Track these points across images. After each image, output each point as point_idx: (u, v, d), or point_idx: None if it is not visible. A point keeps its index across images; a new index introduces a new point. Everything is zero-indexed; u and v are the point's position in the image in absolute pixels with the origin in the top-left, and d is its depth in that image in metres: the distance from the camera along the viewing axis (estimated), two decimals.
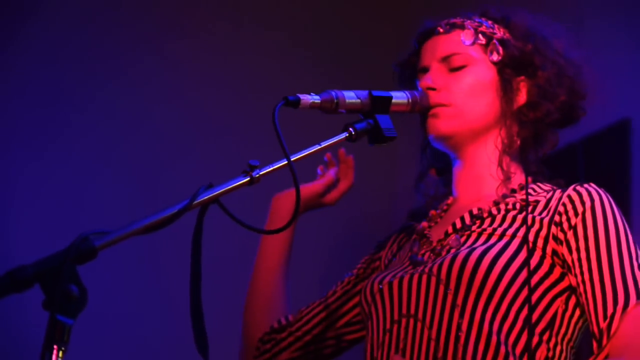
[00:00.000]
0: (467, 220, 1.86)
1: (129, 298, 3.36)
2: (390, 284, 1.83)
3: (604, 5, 3.34)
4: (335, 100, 1.70)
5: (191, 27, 3.67)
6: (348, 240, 3.93)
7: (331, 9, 3.95)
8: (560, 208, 1.78)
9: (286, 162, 1.57)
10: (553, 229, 1.77)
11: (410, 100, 1.84)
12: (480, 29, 1.92)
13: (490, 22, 1.94)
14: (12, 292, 1.29)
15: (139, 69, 3.55)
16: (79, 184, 3.40)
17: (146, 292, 3.39)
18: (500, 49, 1.90)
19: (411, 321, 1.78)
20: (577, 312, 1.78)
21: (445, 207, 1.97)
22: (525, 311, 1.73)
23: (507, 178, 1.88)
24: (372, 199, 3.95)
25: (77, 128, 3.44)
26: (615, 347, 1.66)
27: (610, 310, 1.68)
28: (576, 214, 1.76)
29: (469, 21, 1.93)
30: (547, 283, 1.76)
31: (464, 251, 1.77)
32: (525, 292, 1.73)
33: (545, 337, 1.74)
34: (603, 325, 1.68)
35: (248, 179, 1.55)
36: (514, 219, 1.81)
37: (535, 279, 1.74)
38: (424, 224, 1.96)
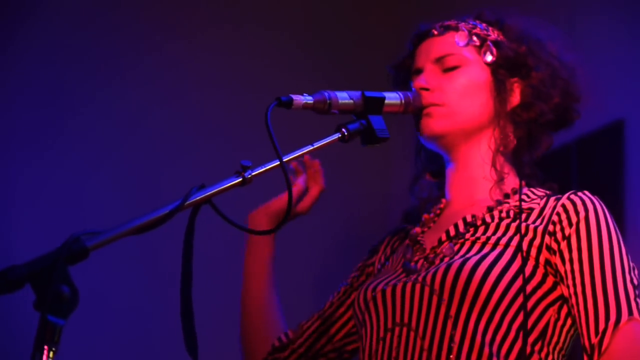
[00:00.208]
0: (461, 227, 1.85)
1: (119, 299, 3.36)
2: (384, 291, 1.83)
3: (596, 7, 3.35)
4: (328, 101, 1.70)
5: (190, 27, 3.67)
6: (342, 242, 3.93)
7: (327, 10, 3.95)
8: (555, 217, 1.78)
9: (278, 162, 1.57)
10: (547, 238, 1.77)
11: (403, 100, 1.83)
12: (475, 30, 1.92)
13: (484, 24, 1.95)
14: (2, 293, 1.28)
15: (138, 69, 3.55)
16: (77, 184, 3.40)
17: (137, 292, 3.39)
18: (494, 50, 1.90)
19: (404, 330, 1.78)
20: (569, 322, 1.77)
21: (438, 211, 1.96)
22: (518, 321, 1.73)
23: (501, 179, 1.88)
24: (366, 200, 3.95)
25: (76, 128, 3.44)
26: None
27: (602, 326, 1.68)
28: (570, 225, 1.76)
29: (463, 23, 1.94)
30: (540, 293, 1.76)
31: (457, 261, 1.76)
32: (518, 302, 1.73)
33: (537, 347, 1.74)
34: (594, 340, 1.68)
35: (240, 179, 1.54)
36: (507, 227, 1.81)
37: (528, 289, 1.74)
38: (417, 229, 1.95)
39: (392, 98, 1.82)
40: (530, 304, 1.74)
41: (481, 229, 1.83)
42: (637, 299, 1.72)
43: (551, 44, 1.94)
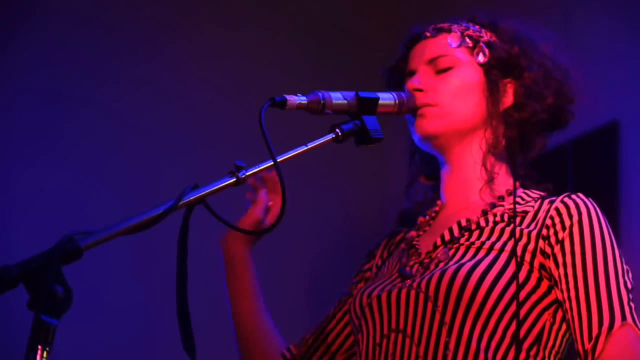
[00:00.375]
0: (456, 232, 1.85)
1: (115, 299, 3.36)
2: (379, 297, 1.83)
3: (591, 8, 3.35)
4: (322, 101, 1.70)
5: (188, 29, 3.68)
6: (338, 242, 3.93)
7: (323, 12, 3.96)
8: (548, 221, 1.77)
9: (272, 162, 1.57)
10: (541, 242, 1.77)
11: (397, 101, 1.83)
12: (467, 32, 1.92)
13: (477, 26, 1.95)
14: None
15: (136, 70, 3.56)
16: (76, 184, 3.41)
17: (132, 292, 3.39)
18: (487, 51, 1.90)
19: (400, 336, 1.77)
20: (565, 326, 1.77)
21: (433, 214, 1.96)
22: (513, 327, 1.73)
23: (491, 179, 1.88)
24: (361, 201, 3.95)
25: (75, 129, 3.45)
26: None
27: (595, 332, 1.68)
28: (563, 228, 1.76)
29: (455, 25, 1.94)
30: (534, 297, 1.75)
31: (451, 267, 1.76)
32: (513, 308, 1.73)
33: (532, 352, 1.74)
34: (588, 346, 1.68)
35: (234, 179, 1.54)
36: (502, 231, 1.80)
37: (523, 294, 1.74)
38: (413, 233, 1.95)
39: (386, 98, 1.82)
40: (525, 309, 1.74)
41: (476, 234, 1.82)
42: (631, 303, 1.72)
43: (544, 45, 1.94)
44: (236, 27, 3.79)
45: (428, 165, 2.01)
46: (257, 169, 1.57)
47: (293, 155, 1.62)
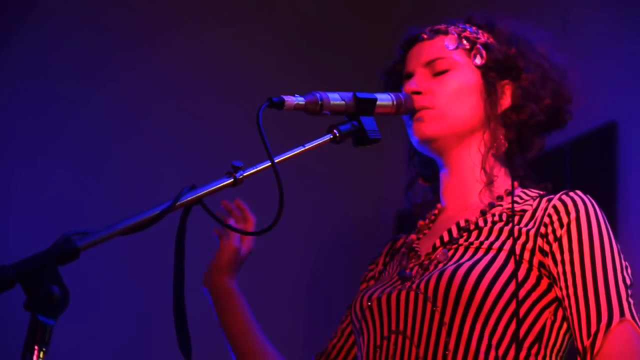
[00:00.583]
0: (455, 233, 1.85)
1: (112, 299, 3.36)
2: (379, 299, 1.83)
3: (589, 9, 3.35)
4: (320, 102, 1.69)
5: (185, 30, 3.68)
6: (336, 243, 3.93)
7: (321, 14, 3.96)
8: (546, 219, 1.77)
9: (270, 163, 1.57)
10: (539, 240, 1.76)
11: (394, 102, 1.83)
12: (464, 34, 1.92)
13: (474, 27, 1.95)
14: None
15: (133, 72, 3.56)
16: (75, 184, 3.40)
17: (129, 292, 3.39)
18: (484, 53, 1.90)
19: (400, 338, 1.77)
20: (566, 324, 1.77)
21: (432, 217, 1.96)
22: (513, 326, 1.72)
23: (490, 182, 1.87)
24: (359, 201, 3.96)
25: (74, 130, 3.45)
26: None
27: (593, 328, 1.68)
28: (561, 226, 1.76)
29: (452, 27, 1.94)
30: (534, 295, 1.75)
31: (450, 267, 1.76)
32: (512, 307, 1.72)
33: (533, 351, 1.74)
34: (587, 343, 1.68)
35: (232, 180, 1.54)
36: (500, 231, 1.80)
37: (522, 293, 1.73)
38: (413, 236, 1.95)
39: (384, 99, 1.81)
40: (525, 308, 1.73)
41: (474, 234, 1.82)
42: (630, 299, 1.71)
43: (541, 46, 1.94)
44: (234, 28, 3.79)
45: (427, 166, 2.01)
46: (255, 170, 1.57)
47: (291, 156, 1.62)
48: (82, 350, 3.28)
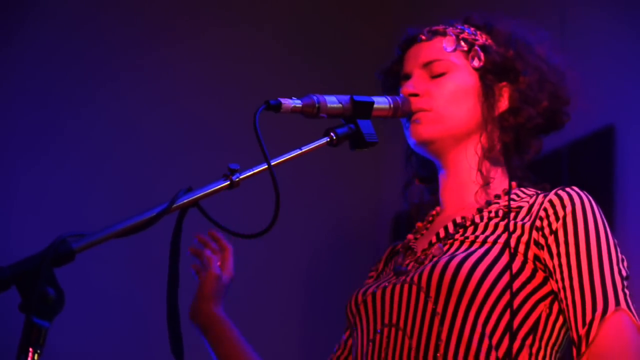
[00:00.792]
0: (451, 229, 1.85)
1: (106, 301, 3.36)
2: (374, 294, 1.83)
3: (587, 11, 3.35)
4: (317, 105, 1.69)
5: (182, 31, 3.68)
6: (333, 245, 3.93)
7: (319, 15, 3.96)
8: (542, 213, 1.77)
9: (266, 166, 1.57)
10: (534, 234, 1.76)
11: (392, 105, 1.83)
12: (462, 35, 1.92)
13: (472, 28, 1.95)
14: None
15: (131, 73, 3.56)
16: (73, 186, 3.40)
17: (124, 294, 3.39)
18: (482, 55, 1.90)
19: (393, 330, 1.77)
20: (562, 318, 1.76)
21: (430, 218, 1.97)
22: (506, 316, 1.72)
23: (486, 183, 1.88)
24: (356, 204, 3.95)
25: (72, 131, 3.45)
26: (593, 355, 1.66)
27: (588, 317, 1.68)
28: (557, 219, 1.76)
29: (450, 28, 1.94)
30: (529, 288, 1.75)
31: (444, 258, 1.76)
32: (506, 297, 1.72)
33: (528, 342, 1.73)
34: (582, 332, 1.68)
35: (228, 182, 1.54)
36: (496, 226, 1.81)
37: (516, 284, 1.73)
38: (410, 236, 1.96)
39: (381, 102, 1.81)
40: (519, 300, 1.73)
41: (470, 229, 1.83)
42: (626, 290, 1.71)
43: (540, 47, 1.94)
44: (233, 29, 3.79)
45: (424, 167, 2.01)
46: (251, 172, 1.57)
47: (287, 159, 1.62)
48: (76, 351, 3.28)
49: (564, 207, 1.76)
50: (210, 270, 2.09)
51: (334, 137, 1.70)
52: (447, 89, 1.88)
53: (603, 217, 1.77)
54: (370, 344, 1.81)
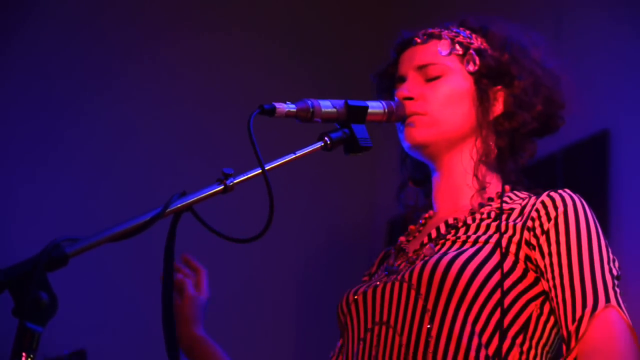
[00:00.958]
0: (443, 229, 1.86)
1: (100, 307, 3.36)
2: (365, 293, 1.83)
3: (582, 17, 3.36)
4: (311, 109, 1.69)
5: (179, 36, 3.68)
6: (328, 249, 3.93)
7: (315, 19, 3.97)
8: (534, 213, 1.78)
9: (260, 170, 1.57)
10: (526, 234, 1.77)
11: (386, 110, 1.83)
12: (457, 39, 1.92)
13: (468, 32, 1.95)
14: None
15: (129, 77, 3.56)
16: (73, 191, 3.40)
17: (118, 300, 3.39)
18: (477, 59, 1.90)
19: (383, 328, 1.78)
20: (553, 317, 1.77)
21: (423, 221, 1.97)
22: (496, 315, 1.72)
23: (482, 188, 1.88)
24: (351, 208, 3.95)
25: (71, 134, 3.45)
26: (583, 350, 1.66)
27: (578, 313, 1.68)
28: (549, 219, 1.76)
29: (446, 31, 1.94)
30: (520, 287, 1.75)
31: (435, 256, 1.77)
32: (496, 296, 1.72)
33: (518, 341, 1.74)
34: (571, 328, 1.68)
35: (222, 187, 1.54)
36: (488, 226, 1.81)
37: (507, 283, 1.74)
38: (402, 238, 1.96)
39: (376, 107, 1.81)
40: (509, 299, 1.74)
41: (462, 230, 1.83)
42: (616, 288, 1.71)
43: (535, 51, 1.94)
44: (229, 34, 3.80)
45: (419, 170, 2.02)
46: (245, 177, 1.57)
47: (281, 163, 1.62)
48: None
49: (555, 207, 1.77)
50: (185, 294, 2.07)
51: (328, 142, 1.70)
52: (442, 92, 1.88)
53: (595, 218, 1.78)
54: (361, 342, 1.81)
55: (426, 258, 1.80)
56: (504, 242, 1.76)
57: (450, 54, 1.91)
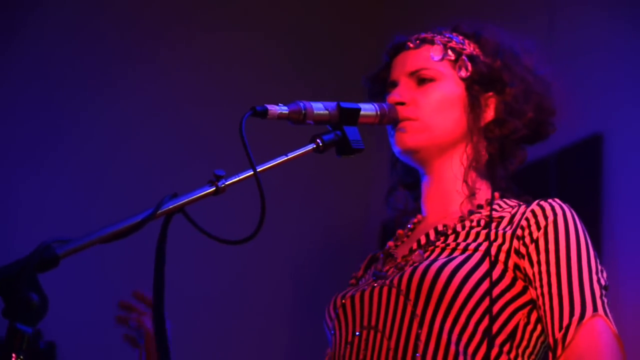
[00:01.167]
0: (432, 236, 1.86)
1: (91, 307, 3.35)
2: (352, 297, 1.84)
3: (574, 20, 3.36)
4: (303, 112, 1.70)
5: (177, 37, 3.69)
6: (322, 250, 3.93)
7: (311, 21, 3.97)
8: (523, 222, 1.79)
9: (252, 172, 1.57)
10: (515, 242, 1.77)
11: (378, 112, 1.84)
12: (450, 44, 1.92)
13: (460, 37, 1.95)
14: None
15: (127, 79, 3.56)
16: (72, 192, 3.40)
17: (108, 300, 3.38)
18: (469, 65, 1.91)
19: (372, 333, 1.78)
20: (540, 326, 1.78)
21: (411, 226, 1.97)
22: (484, 322, 1.73)
23: (472, 194, 1.88)
24: (346, 209, 3.96)
25: (71, 134, 3.45)
26: (569, 358, 1.67)
27: (565, 321, 1.69)
28: (538, 228, 1.77)
29: (439, 36, 1.94)
30: (508, 296, 1.76)
31: (424, 263, 1.77)
32: (484, 304, 1.73)
33: (505, 349, 1.74)
34: (558, 336, 1.69)
35: (213, 188, 1.54)
36: (477, 234, 1.82)
37: (496, 291, 1.75)
38: (390, 243, 1.96)
39: (368, 109, 1.82)
40: (497, 306, 1.75)
41: (452, 237, 1.84)
42: (604, 298, 1.73)
43: (527, 58, 1.95)
44: (225, 35, 3.80)
45: (409, 174, 2.02)
46: (237, 179, 1.57)
47: (273, 165, 1.62)
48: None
49: (545, 217, 1.78)
50: (145, 331, 2.04)
51: (320, 144, 1.71)
52: (434, 98, 1.89)
53: (584, 228, 1.79)
54: (349, 346, 1.81)
55: (415, 264, 1.80)
56: (493, 250, 1.77)
57: (442, 59, 1.91)
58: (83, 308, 3.34)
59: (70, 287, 3.11)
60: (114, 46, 3.56)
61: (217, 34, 3.81)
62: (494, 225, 1.81)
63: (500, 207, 1.87)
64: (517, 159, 1.95)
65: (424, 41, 1.94)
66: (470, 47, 1.93)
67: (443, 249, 1.81)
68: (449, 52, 1.91)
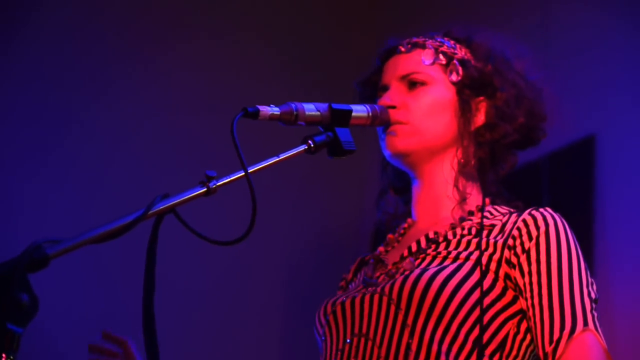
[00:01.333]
0: (423, 244, 1.86)
1: (80, 308, 3.35)
2: (343, 304, 1.84)
3: (568, 22, 3.36)
4: (295, 113, 1.70)
5: (173, 40, 3.69)
6: (316, 252, 3.93)
7: (307, 23, 3.98)
8: (515, 232, 1.79)
9: (243, 173, 1.57)
10: (506, 252, 1.78)
11: (370, 113, 1.84)
12: (442, 48, 1.93)
13: (452, 41, 1.95)
14: None
15: (127, 79, 3.57)
16: (72, 193, 3.40)
17: (99, 301, 3.38)
18: (460, 70, 1.91)
19: (362, 340, 1.78)
20: (529, 336, 1.78)
21: (402, 231, 1.97)
22: (475, 332, 1.74)
23: (463, 199, 1.89)
24: (339, 210, 3.96)
25: (70, 135, 3.45)
26: None
27: (556, 335, 1.70)
28: (530, 238, 1.77)
29: (430, 41, 1.94)
30: (499, 305, 1.76)
31: (416, 272, 1.77)
32: (475, 314, 1.74)
33: (495, 358, 1.75)
34: (548, 349, 1.70)
35: (205, 189, 1.54)
36: (468, 243, 1.82)
37: (486, 301, 1.75)
38: (381, 248, 1.96)
39: (359, 111, 1.82)
40: (488, 316, 1.75)
41: (443, 245, 1.84)
42: (594, 312, 1.73)
43: (518, 63, 1.95)
44: (220, 38, 3.80)
45: (399, 178, 2.02)
46: (228, 180, 1.57)
47: (265, 166, 1.62)
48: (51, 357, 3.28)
49: (537, 227, 1.78)
50: (127, 354, 2.05)
51: (312, 145, 1.71)
52: (424, 102, 1.89)
53: (575, 239, 1.80)
54: (339, 353, 1.81)
55: (406, 272, 1.80)
56: (484, 260, 1.77)
57: (433, 63, 1.91)
58: (74, 308, 3.34)
59: (61, 287, 3.11)
60: (113, 47, 3.56)
61: (210, 36, 3.81)
62: (484, 233, 1.81)
63: (491, 214, 1.87)
64: (507, 164, 1.95)
65: (415, 45, 1.94)
66: (461, 52, 1.94)
67: (434, 257, 1.82)
68: (440, 56, 1.92)
